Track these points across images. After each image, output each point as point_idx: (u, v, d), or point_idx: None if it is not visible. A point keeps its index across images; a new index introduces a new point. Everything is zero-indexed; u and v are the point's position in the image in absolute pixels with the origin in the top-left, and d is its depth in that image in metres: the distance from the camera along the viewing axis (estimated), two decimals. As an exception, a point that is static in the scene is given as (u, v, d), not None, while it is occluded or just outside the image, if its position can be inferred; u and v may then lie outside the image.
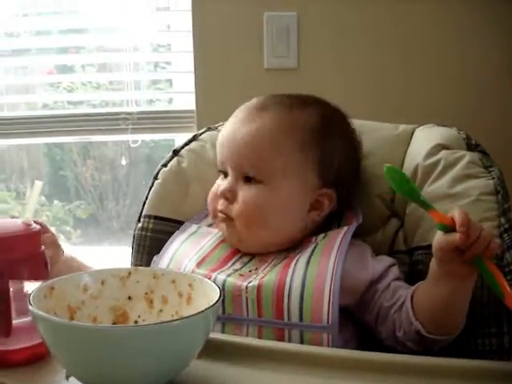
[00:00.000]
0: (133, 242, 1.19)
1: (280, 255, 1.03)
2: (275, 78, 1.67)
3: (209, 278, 0.95)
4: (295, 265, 0.97)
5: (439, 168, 1.07)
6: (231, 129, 1.07)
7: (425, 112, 1.59)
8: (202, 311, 0.69)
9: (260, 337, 0.94)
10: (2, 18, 1.80)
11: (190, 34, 1.71)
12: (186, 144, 1.25)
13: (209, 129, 1.27)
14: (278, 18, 1.67)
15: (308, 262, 0.97)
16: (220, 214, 1.06)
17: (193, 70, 1.72)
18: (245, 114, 1.07)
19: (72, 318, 0.79)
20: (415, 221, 1.07)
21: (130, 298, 0.83)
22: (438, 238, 0.86)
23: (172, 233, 1.13)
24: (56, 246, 1.03)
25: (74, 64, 1.96)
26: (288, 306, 0.93)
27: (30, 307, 0.68)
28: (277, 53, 1.68)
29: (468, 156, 1.07)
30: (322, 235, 1.04)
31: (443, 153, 1.09)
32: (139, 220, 1.19)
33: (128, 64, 1.83)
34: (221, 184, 1.06)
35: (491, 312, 0.95)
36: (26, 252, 0.80)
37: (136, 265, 1.16)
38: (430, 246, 1.02)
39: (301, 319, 0.92)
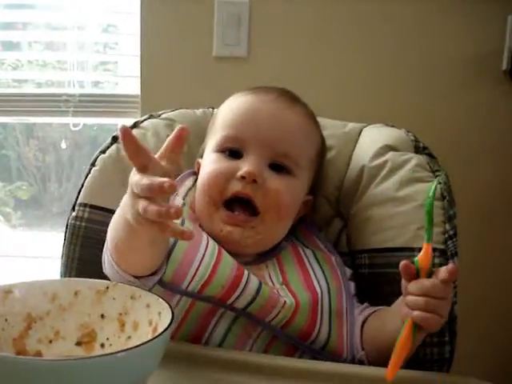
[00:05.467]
0: (65, 232, 1.11)
1: (267, 263, 0.99)
2: (224, 67, 1.63)
3: (241, 273, 0.90)
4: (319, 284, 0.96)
5: (386, 170, 1.05)
6: (267, 110, 0.98)
7: (374, 109, 1.57)
8: (133, 347, 0.58)
9: (268, 347, 0.90)
10: None
11: (138, 17, 1.65)
12: (127, 131, 1.20)
13: (151, 116, 1.21)
14: (230, 4, 1.62)
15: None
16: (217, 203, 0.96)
17: (139, 53, 1.66)
18: (274, 101, 1.00)
19: (29, 328, 0.72)
20: (359, 223, 1.06)
21: (102, 316, 0.75)
22: None
23: (108, 223, 1.07)
24: None
25: (20, 41, 1.88)
26: (318, 332, 0.91)
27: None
28: (227, 41, 1.63)
29: (415, 159, 1.06)
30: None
31: (390, 154, 1.07)
32: (73, 209, 1.13)
33: (73, 43, 1.76)
34: (240, 165, 0.95)
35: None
36: None
37: (68, 257, 1.09)
38: (373, 250, 1.00)
39: (323, 348, 0.91)
